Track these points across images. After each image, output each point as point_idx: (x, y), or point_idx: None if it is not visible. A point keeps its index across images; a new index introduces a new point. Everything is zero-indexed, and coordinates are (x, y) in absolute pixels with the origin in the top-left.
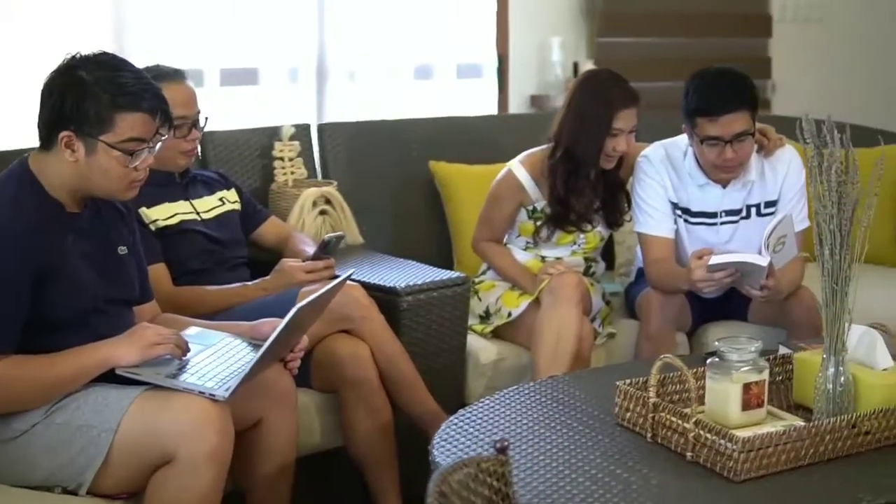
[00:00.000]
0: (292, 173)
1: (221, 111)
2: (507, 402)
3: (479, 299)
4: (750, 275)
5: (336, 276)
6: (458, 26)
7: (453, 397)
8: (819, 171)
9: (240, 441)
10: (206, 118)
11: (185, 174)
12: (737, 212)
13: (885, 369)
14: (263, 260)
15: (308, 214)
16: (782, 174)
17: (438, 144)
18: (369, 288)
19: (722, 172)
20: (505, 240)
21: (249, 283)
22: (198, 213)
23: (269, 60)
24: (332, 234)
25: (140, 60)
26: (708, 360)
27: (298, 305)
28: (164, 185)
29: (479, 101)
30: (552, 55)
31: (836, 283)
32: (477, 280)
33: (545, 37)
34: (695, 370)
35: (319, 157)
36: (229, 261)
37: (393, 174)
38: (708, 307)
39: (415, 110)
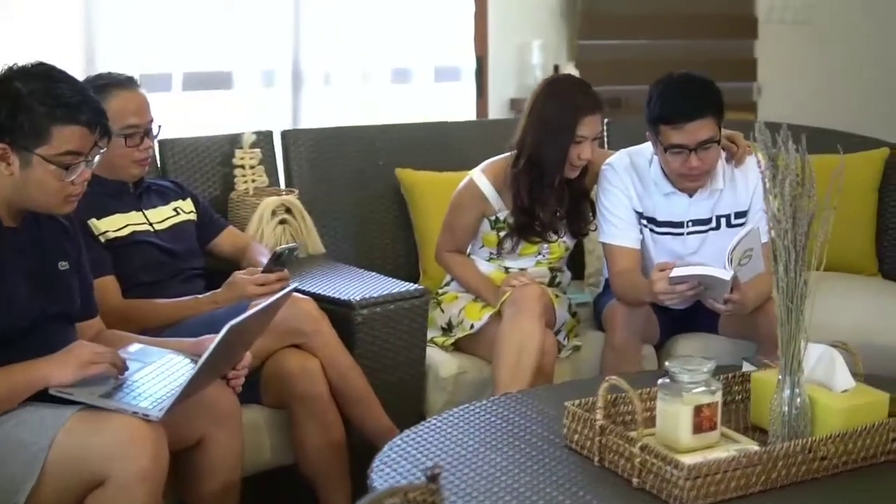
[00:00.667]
0: (253, 181)
1: (192, 117)
2: (456, 421)
3: (442, 311)
4: (713, 288)
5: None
6: (435, 28)
7: (412, 413)
8: (773, 183)
9: (182, 460)
10: (160, 126)
11: (140, 184)
12: (705, 221)
13: (844, 391)
14: (222, 270)
15: (267, 224)
16: (753, 183)
17: (407, 151)
18: (323, 300)
19: (687, 181)
20: (469, 250)
21: (200, 296)
22: (151, 224)
23: (243, 64)
24: (284, 246)
25: (110, 64)
26: (659, 381)
27: (230, 324)
28: (117, 195)
29: (457, 104)
30: (532, 58)
31: (790, 300)
32: (440, 291)
33: (525, 39)
34: (647, 390)
35: (283, 165)
36: (183, 272)
37: (358, 182)
38: (677, 319)
39: (393, 115)
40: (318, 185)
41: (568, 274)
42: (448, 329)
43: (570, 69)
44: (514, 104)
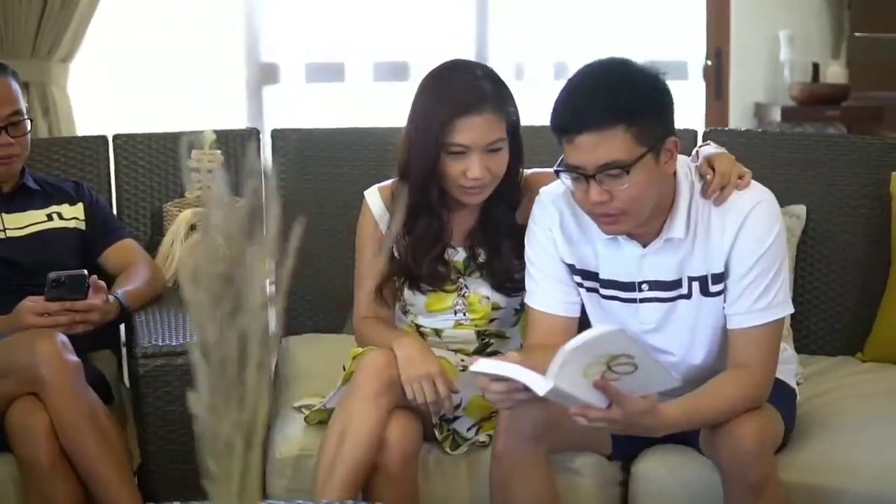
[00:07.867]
0: (209, 188)
1: (371, 109)
2: None
3: (343, 369)
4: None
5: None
6: (655, 13)
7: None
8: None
9: None
10: (31, 120)
11: (17, 182)
12: (668, 285)
13: None
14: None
15: (182, 243)
16: (731, 232)
17: None
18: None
19: (597, 223)
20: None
21: None
22: (4, 230)
23: (419, 53)
24: (61, 272)
25: (273, 53)
26: None
27: None
28: None
29: (685, 108)
30: (780, 53)
31: (214, 457)
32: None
33: (776, 29)
34: None
35: (276, 170)
36: (27, 288)
37: (357, 199)
38: None
39: None
40: (306, 199)
41: (515, 341)
42: None
43: (837, 69)
44: (760, 111)
